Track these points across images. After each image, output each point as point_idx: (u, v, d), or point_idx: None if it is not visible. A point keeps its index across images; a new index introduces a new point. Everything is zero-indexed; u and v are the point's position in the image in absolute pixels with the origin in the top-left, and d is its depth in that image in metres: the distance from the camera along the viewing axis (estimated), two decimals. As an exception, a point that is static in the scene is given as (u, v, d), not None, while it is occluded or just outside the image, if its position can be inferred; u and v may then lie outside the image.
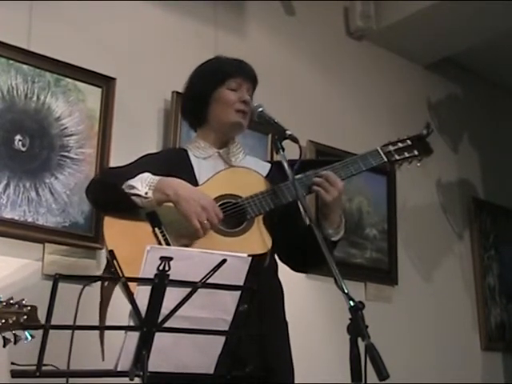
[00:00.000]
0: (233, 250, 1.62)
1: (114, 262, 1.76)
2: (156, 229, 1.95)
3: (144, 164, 2.07)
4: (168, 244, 1.92)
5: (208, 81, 2.18)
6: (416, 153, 2.21)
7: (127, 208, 1.93)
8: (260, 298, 1.63)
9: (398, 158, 2.18)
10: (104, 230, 1.94)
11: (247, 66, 2.22)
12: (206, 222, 1.89)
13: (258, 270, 1.87)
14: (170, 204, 1.93)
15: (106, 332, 1.75)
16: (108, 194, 1.97)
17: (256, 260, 1.69)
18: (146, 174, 1.94)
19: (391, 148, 2.19)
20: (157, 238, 1.94)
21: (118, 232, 1.93)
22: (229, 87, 2.16)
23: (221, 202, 1.99)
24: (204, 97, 2.17)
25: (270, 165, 2.25)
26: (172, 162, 2.10)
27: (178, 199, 1.90)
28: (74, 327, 1.44)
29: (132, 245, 1.84)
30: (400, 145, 2.20)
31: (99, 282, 1.86)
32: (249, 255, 1.60)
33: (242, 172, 2.12)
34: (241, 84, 2.17)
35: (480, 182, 4.57)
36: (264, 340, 1.96)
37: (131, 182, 1.92)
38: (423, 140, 2.23)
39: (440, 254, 4.17)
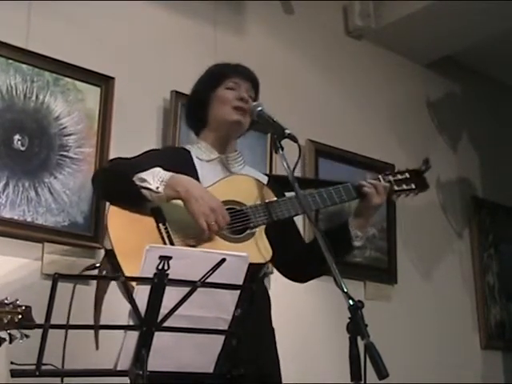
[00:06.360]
0: None
1: (116, 258, 1.76)
2: (160, 225, 1.94)
3: (151, 158, 2.07)
4: (170, 241, 1.91)
5: (206, 84, 2.23)
6: (413, 186, 2.26)
7: (135, 200, 1.92)
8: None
9: (396, 188, 2.23)
10: (108, 221, 1.91)
11: (244, 68, 2.27)
12: (213, 223, 1.89)
13: (254, 278, 1.87)
14: (177, 201, 1.92)
15: (106, 332, 1.75)
16: (117, 183, 1.96)
17: (253, 268, 1.69)
18: (158, 169, 1.93)
19: (391, 178, 2.22)
20: (160, 233, 1.92)
21: (122, 224, 1.91)
22: (226, 87, 2.19)
23: (226, 207, 1.98)
24: (203, 99, 2.21)
25: (267, 177, 2.26)
26: (176, 161, 2.09)
27: (189, 197, 1.89)
28: (72, 326, 1.44)
29: (134, 238, 1.84)
30: (399, 176, 2.24)
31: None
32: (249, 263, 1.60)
33: (246, 180, 2.14)
34: (238, 83, 2.20)
35: (479, 181, 4.56)
36: (256, 343, 1.96)
37: (143, 174, 1.91)
38: (421, 175, 2.27)
39: (439, 253, 4.16)
